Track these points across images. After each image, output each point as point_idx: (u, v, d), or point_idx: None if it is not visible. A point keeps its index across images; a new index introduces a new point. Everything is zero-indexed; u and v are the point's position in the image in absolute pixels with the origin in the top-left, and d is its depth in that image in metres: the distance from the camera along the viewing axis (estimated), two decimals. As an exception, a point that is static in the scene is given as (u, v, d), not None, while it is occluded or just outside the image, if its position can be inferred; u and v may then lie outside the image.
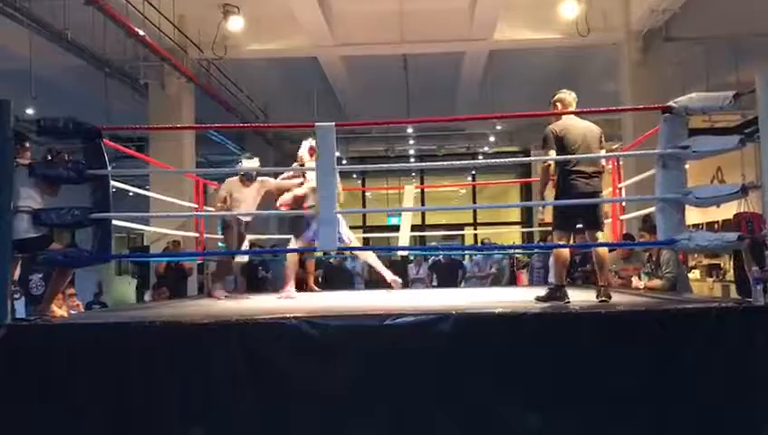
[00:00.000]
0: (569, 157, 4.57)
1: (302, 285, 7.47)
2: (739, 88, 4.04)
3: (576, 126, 4.71)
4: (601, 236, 4.86)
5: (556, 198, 4.71)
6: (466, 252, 12.43)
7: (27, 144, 4.44)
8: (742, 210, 9.62)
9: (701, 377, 3.56)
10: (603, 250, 4.79)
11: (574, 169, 4.60)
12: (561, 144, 4.62)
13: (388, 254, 13.33)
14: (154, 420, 3.57)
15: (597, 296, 4.51)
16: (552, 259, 4.80)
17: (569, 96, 4.92)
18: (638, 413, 3.56)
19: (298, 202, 6.10)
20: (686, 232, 4.10)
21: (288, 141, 15.29)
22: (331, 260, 11.74)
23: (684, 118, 4.10)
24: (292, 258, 6.35)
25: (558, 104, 4.92)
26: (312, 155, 6.07)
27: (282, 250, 7.14)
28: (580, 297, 4.82)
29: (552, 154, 4.61)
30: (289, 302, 5.69)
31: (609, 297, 4.49)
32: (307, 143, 6.22)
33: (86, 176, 4.22)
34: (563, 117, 4.78)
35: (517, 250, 11.64)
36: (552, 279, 4.80)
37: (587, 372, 3.60)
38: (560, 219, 4.68)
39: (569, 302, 4.48)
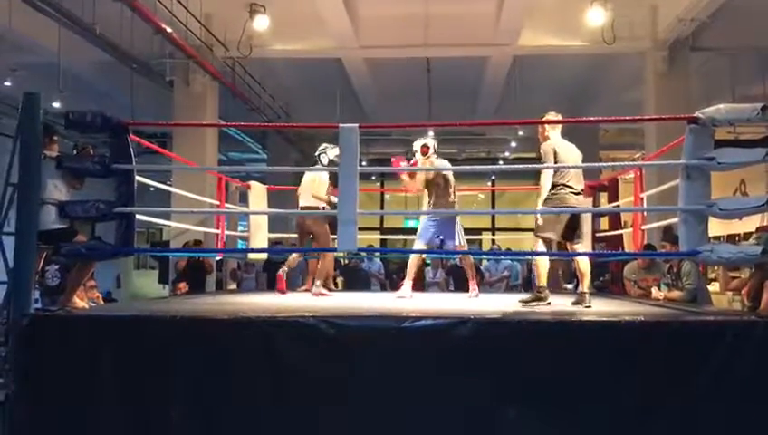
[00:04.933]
0: (566, 166, 5.01)
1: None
2: (765, 100, 4.01)
3: (564, 146, 5.14)
4: (581, 248, 5.25)
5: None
6: (483, 256, 12.39)
7: (55, 137, 4.50)
8: (765, 223, 9.54)
9: (721, 390, 3.53)
10: (585, 262, 5.17)
11: (566, 183, 5.01)
12: (557, 160, 5.00)
13: (404, 256, 13.34)
14: (172, 414, 3.61)
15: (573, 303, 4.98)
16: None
17: (556, 117, 5.23)
18: (654, 425, 3.55)
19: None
20: (708, 244, 4.07)
21: (308, 141, 15.34)
22: (348, 261, 11.78)
23: (710, 129, 4.08)
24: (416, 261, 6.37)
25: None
26: (424, 153, 6.29)
27: (299, 249, 7.16)
28: (597, 307, 4.81)
29: (549, 172, 5.00)
30: (308, 301, 5.71)
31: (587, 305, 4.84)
32: (419, 142, 6.37)
33: (111, 170, 4.27)
34: (554, 136, 5.19)
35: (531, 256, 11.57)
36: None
37: (604, 381, 3.59)
38: (547, 227, 5.03)
39: (549, 304, 4.89)
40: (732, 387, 3.53)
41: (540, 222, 5.06)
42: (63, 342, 3.76)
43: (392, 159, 6.79)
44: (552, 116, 5.19)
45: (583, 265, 5.12)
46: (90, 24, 8.17)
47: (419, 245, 6.24)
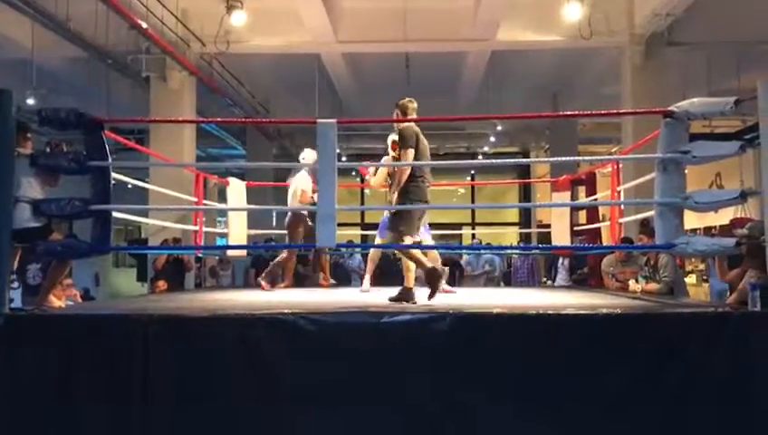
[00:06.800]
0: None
1: (302, 281, 7.58)
2: (740, 94, 4.04)
3: (420, 133, 4.90)
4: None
5: (401, 203, 4.82)
6: (463, 251, 12.42)
7: (28, 134, 4.44)
8: (739, 216, 9.67)
9: (697, 381, 3.57)
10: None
11: (425, 175, 4.82)
12: (418, 146, 4.79)
13: (385, 251, 13.33)
14: (151, 413, 3.58)
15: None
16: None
17: (411, 104, 5.07)
18: (632, 417, 3.57)
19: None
20: (684, 236, 4.11)
21: (288, 137, 15.29)
22: (329, 257, 11.74)
23: (685, 122, 4.11)
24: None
25: (399, 112, 5.05)
26: (393, 149, 6.16)
27: (279, 245, 7.14)
28: (576, 299, 4.82)
29: (412, 153, 4.73)
30: (285, 297, 5.72)
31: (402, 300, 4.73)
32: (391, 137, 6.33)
33: (87, 167, 4.22)
34: (410, 123, 4.92)
35: (513, 251, 11.64)
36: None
37: (583, 375, 3.61)
38: (410, 223, 4.83)
39: (415, 302, 4.70)
40: (706, 380, 3.56)
41: (401, 219, 4.81)
42: (39, 341, 3.71)
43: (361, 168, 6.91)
44: (406, 102, 5.06)
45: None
46: (63, 20, 8.07)
47: (378, 241, 6.47)
